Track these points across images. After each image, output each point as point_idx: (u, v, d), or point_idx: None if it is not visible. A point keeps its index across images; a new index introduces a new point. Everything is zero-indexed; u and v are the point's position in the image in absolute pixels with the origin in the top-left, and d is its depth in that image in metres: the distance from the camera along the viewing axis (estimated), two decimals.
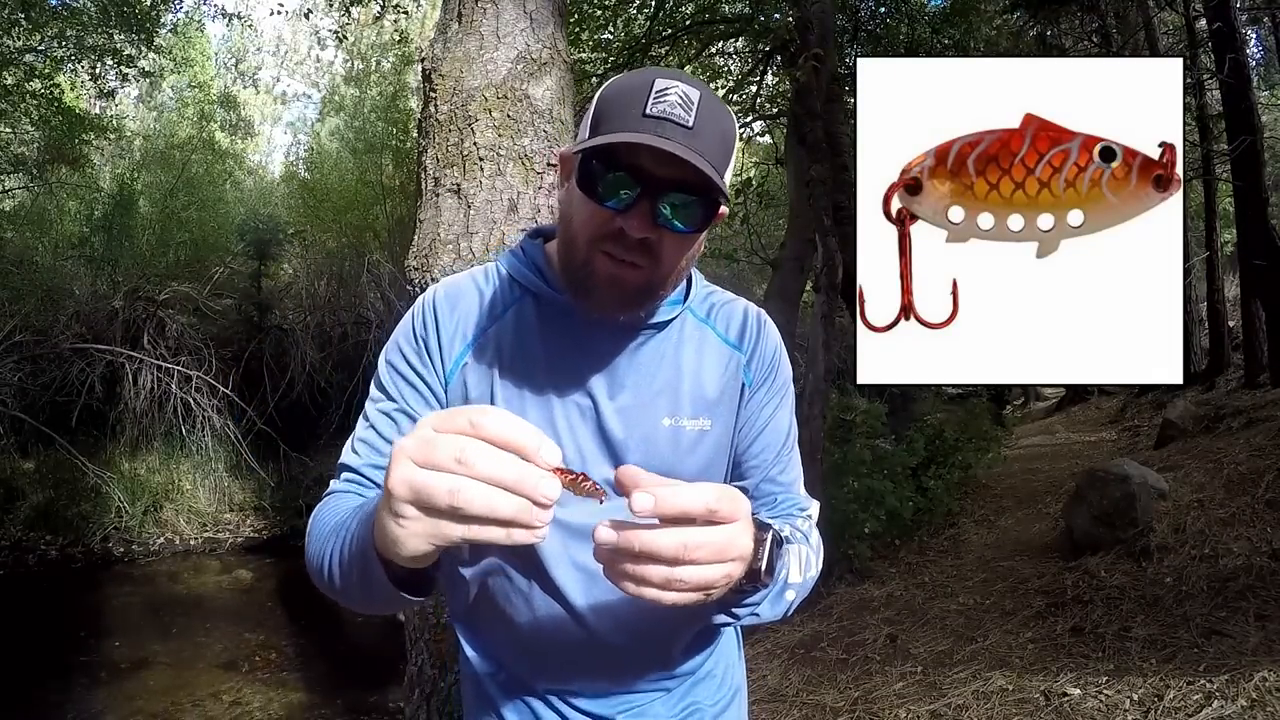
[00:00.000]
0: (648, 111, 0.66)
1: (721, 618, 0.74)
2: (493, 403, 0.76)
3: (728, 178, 0.71)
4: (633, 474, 0.53)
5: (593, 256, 0.71)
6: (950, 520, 5.02)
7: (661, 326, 0.81)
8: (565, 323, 0.78)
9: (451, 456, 0.44)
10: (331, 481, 0.78)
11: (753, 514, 0.61)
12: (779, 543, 0.67)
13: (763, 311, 0.88)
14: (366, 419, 0.79)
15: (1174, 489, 3.88)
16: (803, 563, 0.78)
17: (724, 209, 0.73)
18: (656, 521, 0.50)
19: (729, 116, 0.71)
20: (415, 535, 0.47)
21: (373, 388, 0.81)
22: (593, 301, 0.73)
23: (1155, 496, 3.65)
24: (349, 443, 0.79)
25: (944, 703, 2.54)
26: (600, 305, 0.73)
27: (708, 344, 0.83)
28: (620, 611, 0.77)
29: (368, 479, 0.76)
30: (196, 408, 7.60)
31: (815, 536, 0.85)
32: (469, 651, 0.87)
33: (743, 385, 0.84)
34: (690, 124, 0.66)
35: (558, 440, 0.76)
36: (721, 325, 0.85)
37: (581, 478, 0.51)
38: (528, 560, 0.78)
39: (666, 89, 0.67)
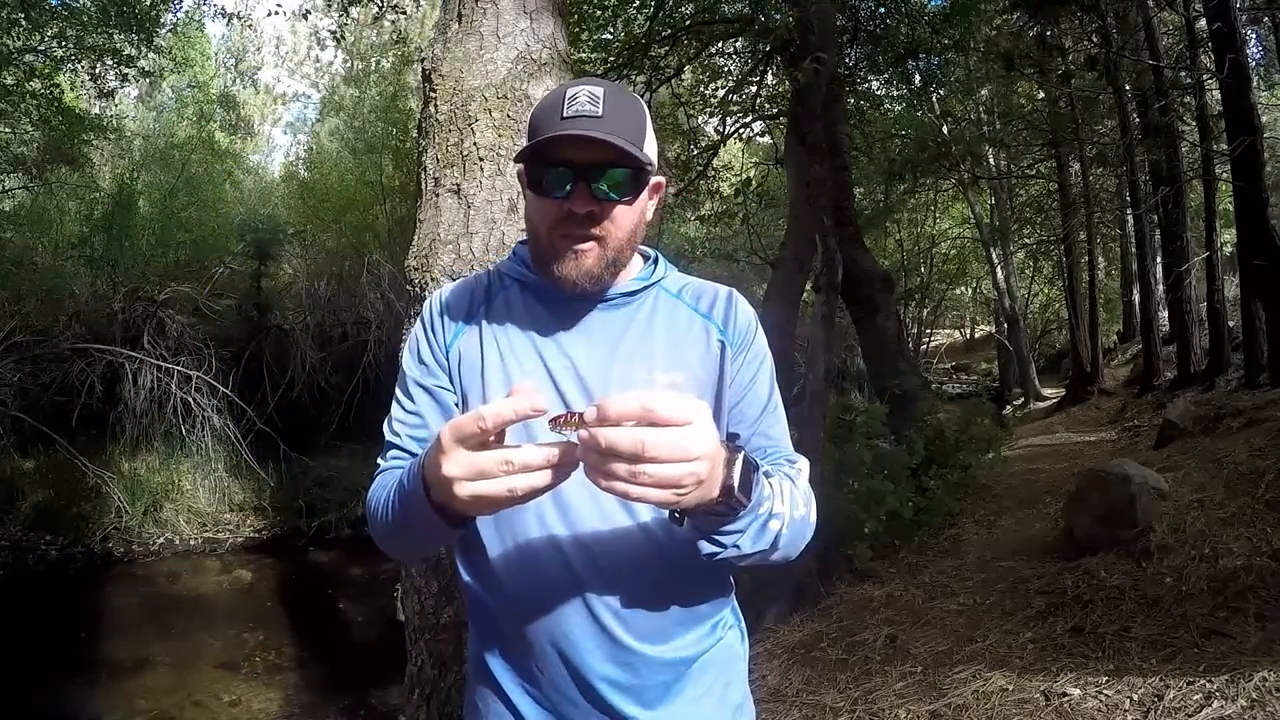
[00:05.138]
0: (565, 114, 0.79)
1: (706, 546, 0.76)
2: (482, 369, 0.90)
3: (650, 151, 0.84)
4: (605, 400, 0.59)
5: (554, 240, 0.85)
6: (950, 521, 5.01)
7: (633, 296, 0.92)
8: (546, 300, 0.91)
9: (498, 463, 0.61)
10: (379, 460, 0.91)
11: (732, 444, 0.69)
12: (753, 467, 0.71)
13: (735, 291, 0.97)
14: (397, 400, 0.92)
15: (1174, 489, 3.87)
16: (789, 499, 0.79)
17: (659, 178, 0.89)
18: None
19: (637, 103, 0.85)
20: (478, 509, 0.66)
21: (400, 372, 0.95)
22: (561, 277, 0.86)
23: (1155, 496, 3.64)
24: (387, 424, 0.92)
25: (944, 703, 2.54)
26: (567, 279, 0.86)
27: (678, 312, 0.94)
28: (612, 537, 0.85)
29: (409, 451, 0.88)
30: (196, 408, 7.59)
31: (805, 484, 0.87)
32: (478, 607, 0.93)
33: (721, 345, 0.91)
34: (600, 114, 0.79)
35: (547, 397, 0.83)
36: (691, 299, 0.95)
37: (570, 415, 0.63)
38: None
39: (576, 93, 0.80)
